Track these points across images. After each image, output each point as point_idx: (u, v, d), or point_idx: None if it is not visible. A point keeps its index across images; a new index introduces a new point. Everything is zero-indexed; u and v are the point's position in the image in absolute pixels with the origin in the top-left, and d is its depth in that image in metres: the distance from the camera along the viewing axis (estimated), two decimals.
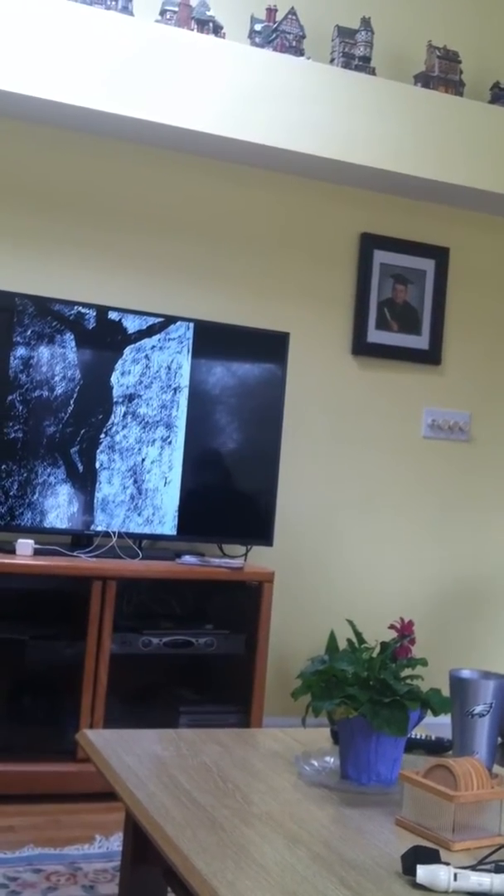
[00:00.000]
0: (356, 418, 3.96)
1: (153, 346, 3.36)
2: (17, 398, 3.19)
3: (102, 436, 3.31)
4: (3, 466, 3.18)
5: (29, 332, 3.20)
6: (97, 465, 3.30)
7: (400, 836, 1.57)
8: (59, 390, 3.25)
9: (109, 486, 3.31)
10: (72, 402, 3.27)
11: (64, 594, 3.20)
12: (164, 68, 3.37)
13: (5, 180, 3.48)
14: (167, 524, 3.39)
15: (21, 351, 3.20)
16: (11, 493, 3.19)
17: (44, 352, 3.22)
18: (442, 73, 3.82)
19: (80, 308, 3.28)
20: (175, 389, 3.39)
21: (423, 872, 1.36)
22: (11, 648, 3.13)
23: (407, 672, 1.85)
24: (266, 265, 3.83)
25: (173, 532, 3.40)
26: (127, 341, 3.34)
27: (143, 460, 3.36)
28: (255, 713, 3.27)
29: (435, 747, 2.07)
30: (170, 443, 3.38)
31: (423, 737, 2.10)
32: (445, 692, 1.86)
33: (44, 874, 2.48)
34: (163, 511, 3.38)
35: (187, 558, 3.31)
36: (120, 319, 3.33)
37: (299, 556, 3.83)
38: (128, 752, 1.90)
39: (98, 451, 3.30)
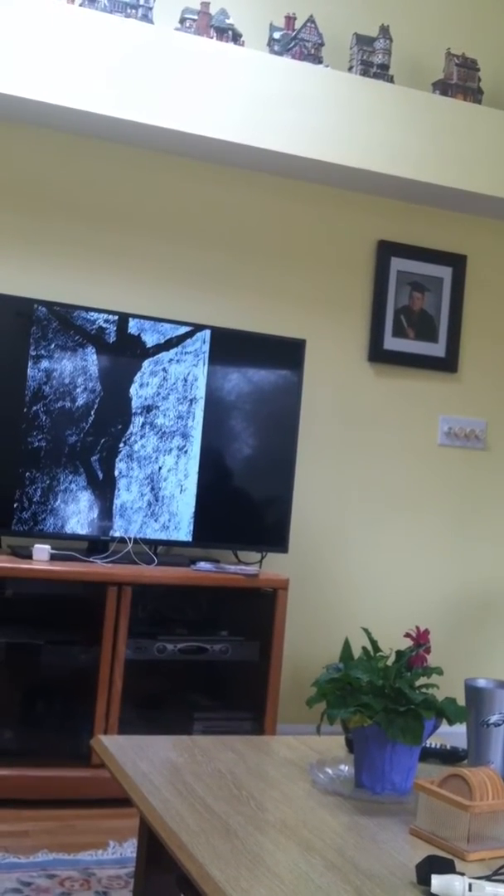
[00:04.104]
0: (372, 425, 3.96)
1: (170, 359, 3.38)
2: (40, 409, 3.22)
3: (121, 445, 3.33)
4: (27, 474, 3.21)
5: (52, 346, 3.23)
6: (116, 472, 3.32)
7: (414, 845, 1.56)
8: (80, 401, 3.28)
9: (127, 493, 3.33)
10: (92, 412, 3.29)
11: (79, 599, 3.21)
12: (183, 76, 3.39)
13: (29, 186, 3.50)
14: (182, 530, 3.40)
15: (44, 363, 3.23)
16: (35, 500, 3.22)
17: (66, 365, 3.26)
18: (460, 81, 3.82)
19: (101, 322, 3.30)
20: (191, 400, 3.40)
21: (438, 882, 1.36)
22: (27, 653, 3.15)
23: (422, 681, 1.84)
24: (283, 272, 3.84)
25: (189, 538, 3.41)
26: (145, 354, 3.36)
27: (160, 468, 3.37)
28: (269, 720, 3.26)
29: (450, 757, 2.07)
30: (186, 451, 3.40)
31: (438, 746, 2.09)
32: (461, 701, 1.86)
33: (57, 879, 2.48)
34: (178, 517, 3.39)
35: (202, 565, 3.31)
36: (139, 333, 3.35)
37: (314, 563, 3.83)
38: (142, 759, 1.90)
39: (117, 459, 3.32)
